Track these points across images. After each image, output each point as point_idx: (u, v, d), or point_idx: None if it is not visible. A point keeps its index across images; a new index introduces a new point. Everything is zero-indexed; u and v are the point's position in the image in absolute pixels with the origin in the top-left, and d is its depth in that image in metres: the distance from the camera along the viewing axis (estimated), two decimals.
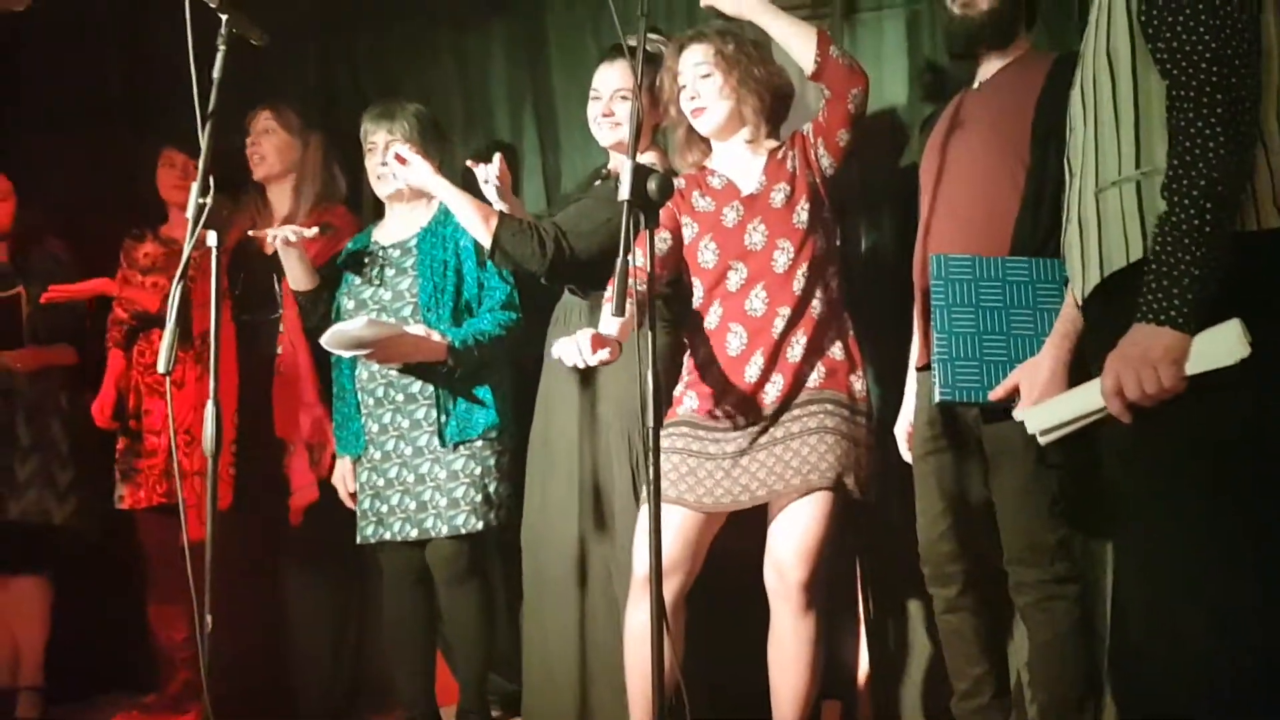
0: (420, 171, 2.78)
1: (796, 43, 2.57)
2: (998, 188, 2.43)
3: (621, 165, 2.10)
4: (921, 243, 2.55)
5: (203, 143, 2.22)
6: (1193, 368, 1.59)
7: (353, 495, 3.12)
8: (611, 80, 2.87)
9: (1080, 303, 1.83)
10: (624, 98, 2.83)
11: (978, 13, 2.49)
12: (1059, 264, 2.27)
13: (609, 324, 2.43)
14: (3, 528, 3.62)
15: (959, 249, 2.39)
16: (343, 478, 3.14)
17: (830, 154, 2.59)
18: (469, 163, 2.87)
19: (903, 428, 2.66)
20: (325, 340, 2.84)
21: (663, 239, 2.61)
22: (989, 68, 2.55)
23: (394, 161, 2.84)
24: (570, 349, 2.33)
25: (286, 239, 3.01)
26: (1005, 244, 2.40)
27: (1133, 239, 1.68)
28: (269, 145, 3.45)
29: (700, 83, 2.62)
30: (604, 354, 2.32)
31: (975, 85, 2.58)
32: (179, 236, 3.64)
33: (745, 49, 2.62)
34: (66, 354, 3.76)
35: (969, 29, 2.51)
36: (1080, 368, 2.06)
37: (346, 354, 2.92)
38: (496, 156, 2.83)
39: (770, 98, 2.64)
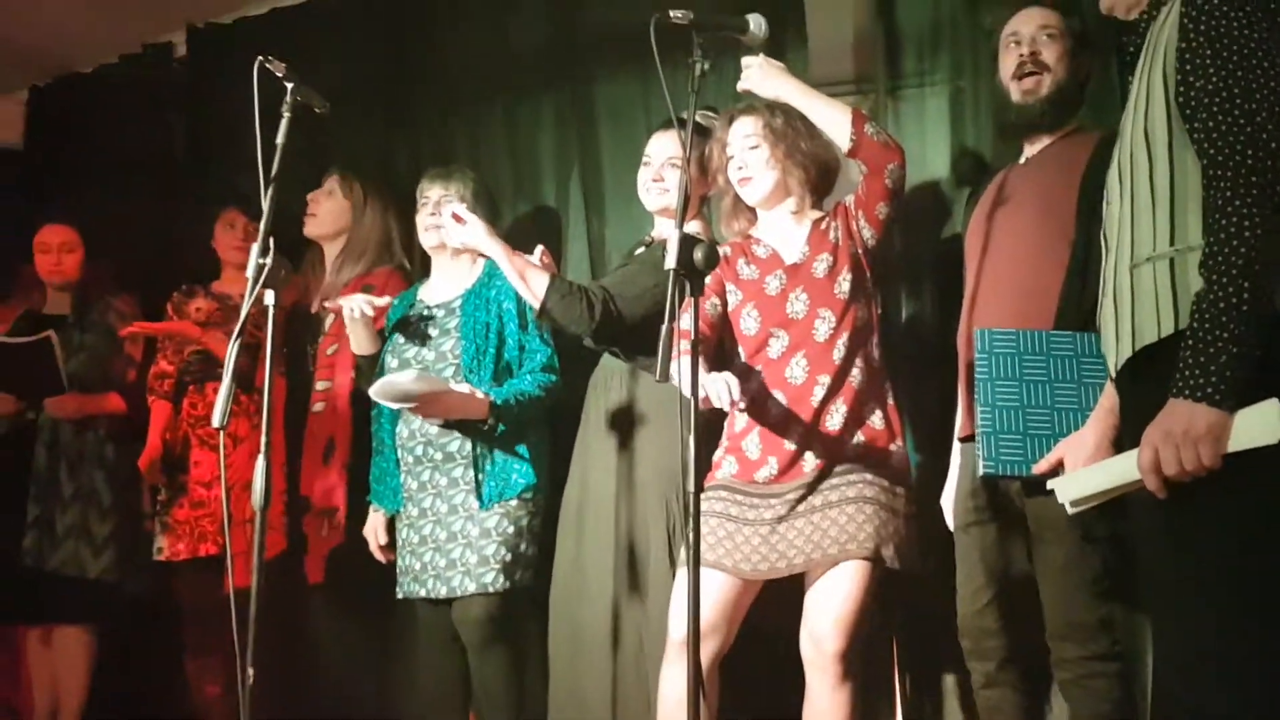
0: (476, 230, 2.84)
1: (832, 122, 2.62)
2: (1043, 262, 2.45)
3: (668, 234, 2.15)
4: (966, 315, 2.57)
5: (264, 205, 2.29)
6: (1232, 446, 1.59)
7: (382, 548, 3.15)
8: (664, 148, 2.94)
9: (1112, 376, 1.84)
10: (674, 165, 2.90)
11: (1037, 100, 2.54)
12: None
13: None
14: (44, 578, 3.67)
15: (1004, 322, 2.41)
16: (374, 530, 3.17)
17: (870, 226, 2.64)
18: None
19: (948, 499, 2.66)
20: (374, 391, 2.89)
21: (713, 304, 2.65)
22: (1036, 144, 2.60)
23: (450, 221, 2.89)
24: (719, 388, 2.35)
25: (364, 310, 3.08)
26: (1050, 318, 2.41)
27: (1164, 314, 1.69)
28: (325, 207, 3.55)
29: (748, 153, 2.68)
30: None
31: (1022, 160, 2.62)
32: (231, 292, 3.74)
33: (793, 123, 2.68)
34: (113, 402, 3.81)
35: (1029, 115, 2.56)
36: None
37: (393, 405, 2.96)
38: (539, 248, 2.90)
39: (815, 170, 2.69)
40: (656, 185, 2.94)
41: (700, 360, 2.13)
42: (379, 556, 3.17)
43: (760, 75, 2.68)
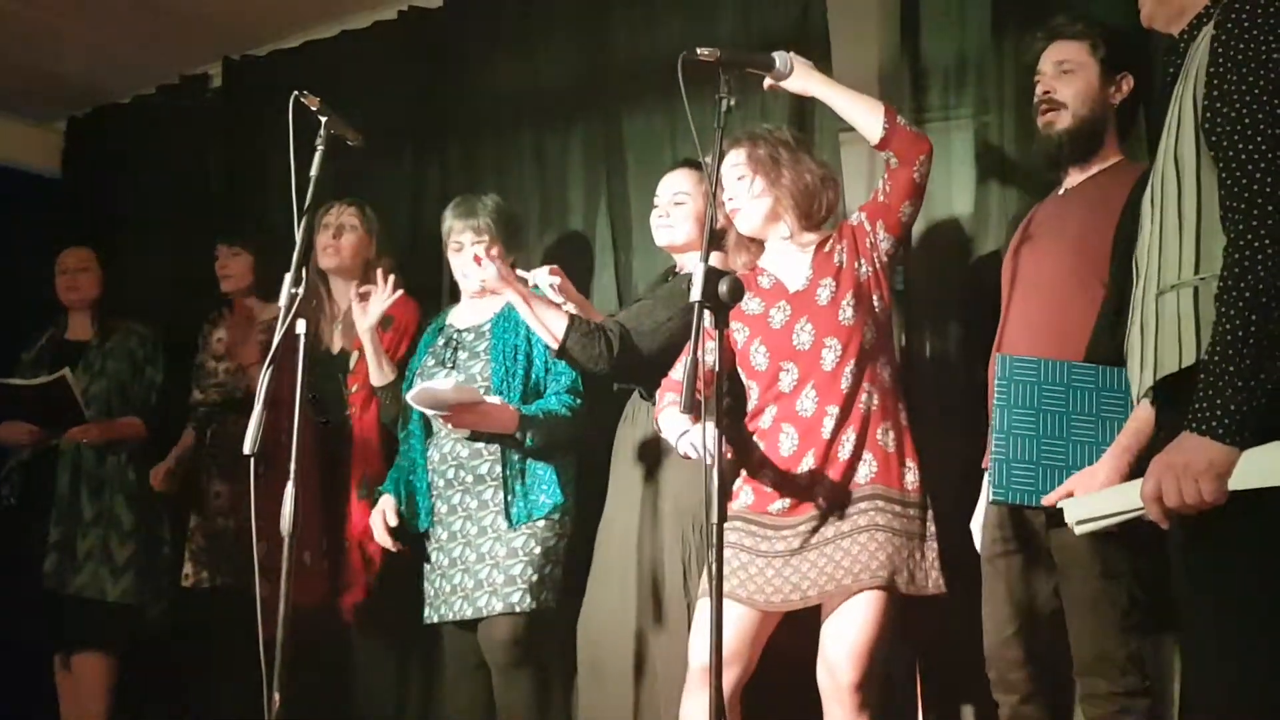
0: (493, 274, 2.89)
1: (862, 114, 2.61)
2: (1074, 301, 2.44)
3: (692, 267, 2.17)
4: (997, 347, 2.56)
5: (297, 237, 2.29)
6: (1236, 483, 1.56)
7: (390, 531, 3.08)
8: (669, 187, 3.02)
9: (1135, 403, 1.83)
10: (678, 202, 2.98)
11: (1055, 131, 2.55)
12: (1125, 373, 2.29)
13: (678, 420, 2.50)
14: (66, 602, 3.71)
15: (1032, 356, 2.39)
16: (382, 512, 3.10)
17: (890, 233, 2.62)
18: (519, 272, 2.92)
19: (977, 523, 2.64)
20: (412, 397, 2.92)
21: (711, 349, 2.65)
22: (1076, 175, 2.58)
23: (471, 263, 2.97)
24: (686, 447, 2.48)
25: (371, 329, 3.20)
26: (1080, 356, 2.39)
27: (1186, 344, 1.67)
28: (346, 241, 3.53)
29: (736, 185, 2.69)
30: None
31: (1061, 191, 2.61)
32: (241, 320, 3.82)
33: (775, 151, 2.68)
34: (133, 427, 3.86)
35: (1047, 146, 2.57)
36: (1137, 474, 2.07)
37: (429, 412, 2.99)
38: (546, 268, 2.95)
39: (801, 196, 2.67)
40: (661, 221, 3.00)
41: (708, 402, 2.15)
42: (387, 543, 3.09)
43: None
